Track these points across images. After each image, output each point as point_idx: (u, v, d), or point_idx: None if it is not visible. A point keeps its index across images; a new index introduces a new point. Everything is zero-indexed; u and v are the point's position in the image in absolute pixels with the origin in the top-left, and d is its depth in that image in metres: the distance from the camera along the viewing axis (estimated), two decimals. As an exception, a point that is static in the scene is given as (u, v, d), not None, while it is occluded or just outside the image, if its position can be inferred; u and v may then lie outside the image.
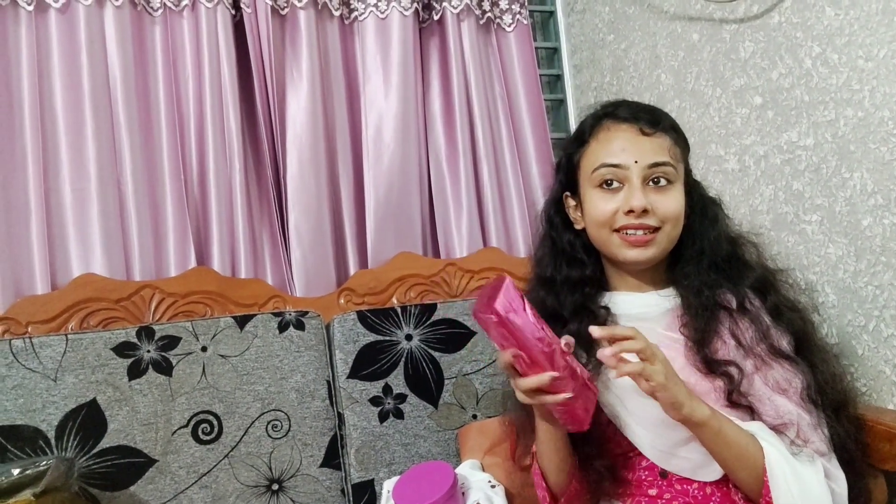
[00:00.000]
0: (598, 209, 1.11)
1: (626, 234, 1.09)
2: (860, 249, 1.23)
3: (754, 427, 1.00)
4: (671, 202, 1.08)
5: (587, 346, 1.10)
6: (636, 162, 1.07)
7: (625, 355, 0.91)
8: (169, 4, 1.66)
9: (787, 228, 1.37)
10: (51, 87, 1.56)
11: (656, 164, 1.07)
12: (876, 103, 1.17)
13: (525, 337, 0.89)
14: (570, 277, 1.17)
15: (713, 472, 1.02)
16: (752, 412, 1.03)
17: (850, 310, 1.25)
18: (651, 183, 1.08)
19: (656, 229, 1.08)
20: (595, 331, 0.92)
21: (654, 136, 1.09)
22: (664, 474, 1.06)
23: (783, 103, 1.36)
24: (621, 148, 1.08)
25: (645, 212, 1.06)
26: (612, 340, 0.92)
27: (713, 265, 1.12)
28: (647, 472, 1.08)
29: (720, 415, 0.97)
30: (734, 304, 1.09)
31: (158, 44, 1.67)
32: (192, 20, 1.67)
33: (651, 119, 1.10)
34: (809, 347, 1.09)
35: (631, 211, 1.06)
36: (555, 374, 0.89)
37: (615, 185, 1.09)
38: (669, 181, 1.09)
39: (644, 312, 1.13)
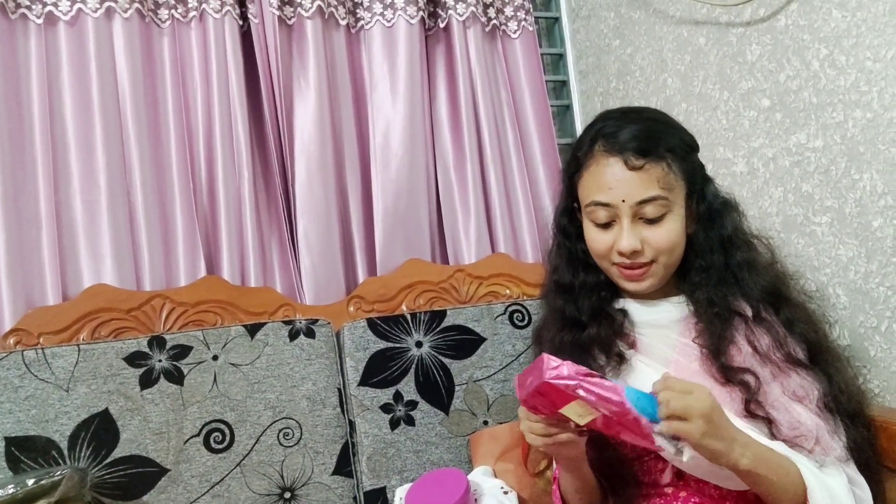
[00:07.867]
0: (594, 243, 1.13)
1: (622, 268, 1.11)
2: (871, 251, 1.22)
3: (779, 449, 0.98)
4: (664, 235, 1.08)
5: (605, 348, 1.11)
6: (624, 201, 1.07)
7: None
8: (177, 16, 1.68)
9: (797, 230, 1.37)
10: (60, 99, 1.56)
11: (645, 201, 1.06)
12: (885, 104, 1.17)
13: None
14: (586, 282, 1.19)
15: (734, 484, 1.01)
16: (769, 423, 1.02)
17: (862, 311, 1.25)
18: (642, 217, 1.08)
19: (652, 261, 1.09)
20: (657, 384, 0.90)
21: (643, 168, 1.06)
22: (681, 475, 1.06)
23: (791, 105, 1.36)
24: (609, 186, 1.07)
25: (636, 252, 1.08)
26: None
27: (721, 280, 1.11)
28: (663, 472, 1.08)
29: (762, 450, 0.94)
30: (749, 313, 1.09)
31: (167, 55, 1.68)
32: (199, 31, 1.68)
33: (641, 148, 1.05)
34: (824, 356, 1.09)
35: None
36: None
37: (607, 221, 1.10)
38: (662, 213, 1.07)
39: (657, 319, 1.14)
